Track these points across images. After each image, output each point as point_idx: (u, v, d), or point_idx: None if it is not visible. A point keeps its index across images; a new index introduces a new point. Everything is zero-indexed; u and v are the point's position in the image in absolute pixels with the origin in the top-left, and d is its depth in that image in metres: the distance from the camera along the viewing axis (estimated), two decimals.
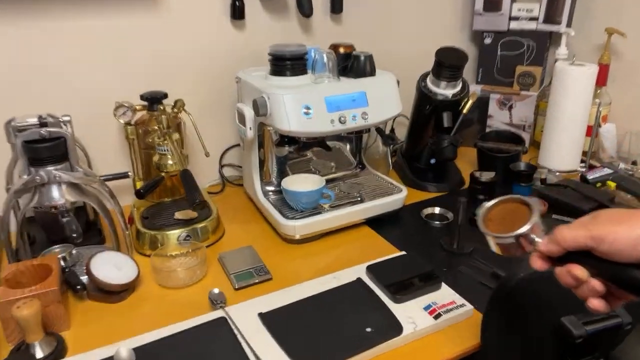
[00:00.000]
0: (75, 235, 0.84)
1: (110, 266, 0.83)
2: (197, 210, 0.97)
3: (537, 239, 0.52)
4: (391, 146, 1.15)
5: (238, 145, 1.26)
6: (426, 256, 0.91)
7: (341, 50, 1.04)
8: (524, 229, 0.52)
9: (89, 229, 1.00)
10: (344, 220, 1.00)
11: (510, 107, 1.44)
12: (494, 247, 0.56)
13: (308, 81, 0.98)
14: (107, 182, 1.02)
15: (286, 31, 1.22)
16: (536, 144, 1.40)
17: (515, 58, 1.42)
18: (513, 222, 0.54)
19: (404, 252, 0.92)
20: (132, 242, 0.95)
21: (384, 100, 1.00)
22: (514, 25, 1.41)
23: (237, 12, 1.13)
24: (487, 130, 1.47)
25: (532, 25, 1.39)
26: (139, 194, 0.90)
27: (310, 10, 1.19)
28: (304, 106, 0.91)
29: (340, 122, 0.94)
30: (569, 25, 1.35)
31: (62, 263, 0.84)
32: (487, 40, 1.45)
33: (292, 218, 0.97)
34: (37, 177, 0.81)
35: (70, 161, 0.84)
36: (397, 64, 1.37)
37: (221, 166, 1.25)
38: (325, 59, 0.97)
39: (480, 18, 1.44)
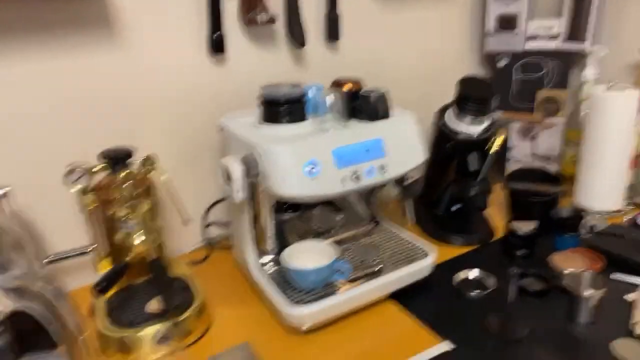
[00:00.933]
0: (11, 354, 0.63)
1: None
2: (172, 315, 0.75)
3: None
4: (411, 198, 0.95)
5: (225, 199, 1.06)
6: (469, 344, 0.72)
7: (346, 88, 0.85)
8: None
9: (38, 330, 0.78)
10: (363, 300, 0.80)
11: (533, 137, 1.27)
12: None
13: (309, 129, 0.79)
14: (65, 260, 0.83)
15: (276, 65, 1.03)
16: (565, 178, 1.23)
17: (535, 82, 1.26)
18: None
19: (445, 345, 0.72)
20: (90, 348, 0.73)
21: (404, 147, 0.81)
22: (531, 45, 1.25)
23: (216, 45, 0.94)
24: (508, 162, 1.30)
25: (552, 45, 1.23)
26: (98, 290, 0.69)
27: (303, 38, 1.00)
28: (307, 163, 0.72)
29: (353, 179, 0.75)
30: (595, 42, 1.19)
31: None
32: (501, 63, 1.28)
33: (299, 301, 0.76)
34: None
35: (4, 257, 0.63)
36: (402, 92, 1.20)
37: (205, 226, 1.04)
38: (329, 102, 0.78)
39: (493, 39, 1.27)
